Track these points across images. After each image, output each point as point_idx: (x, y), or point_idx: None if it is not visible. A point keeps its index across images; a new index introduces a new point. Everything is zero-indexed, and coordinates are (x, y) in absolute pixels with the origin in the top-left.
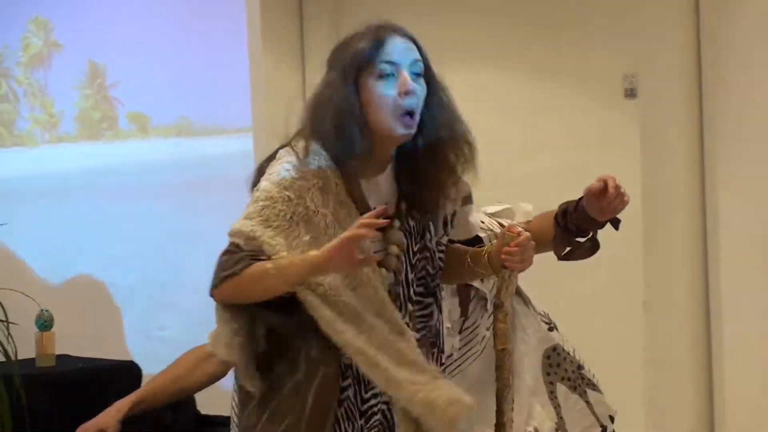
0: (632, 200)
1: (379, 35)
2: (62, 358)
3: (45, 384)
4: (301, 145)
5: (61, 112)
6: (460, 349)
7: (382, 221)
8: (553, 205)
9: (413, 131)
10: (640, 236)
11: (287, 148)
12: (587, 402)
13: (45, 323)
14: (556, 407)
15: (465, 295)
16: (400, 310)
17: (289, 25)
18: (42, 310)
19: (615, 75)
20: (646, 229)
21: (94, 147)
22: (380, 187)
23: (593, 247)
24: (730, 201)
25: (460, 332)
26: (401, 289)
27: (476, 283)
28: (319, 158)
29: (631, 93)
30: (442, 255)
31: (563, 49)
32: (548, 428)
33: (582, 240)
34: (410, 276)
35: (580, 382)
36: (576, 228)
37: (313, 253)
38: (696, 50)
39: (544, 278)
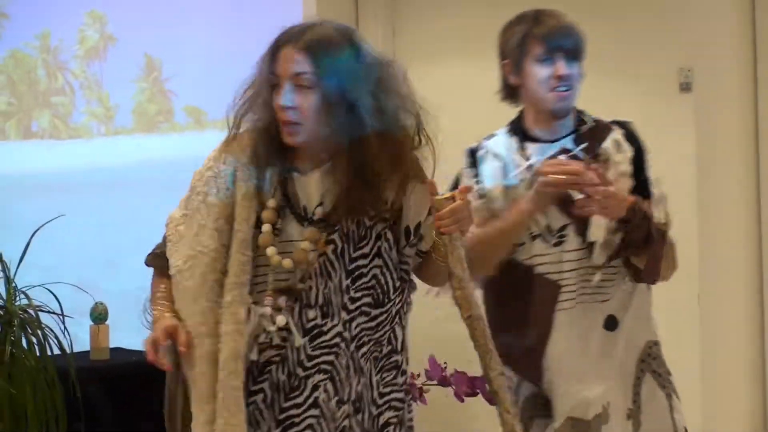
0: (687, 193)
1: (274, 45)
2: (116, 351)
3: (99, 377)
4: (235, 141)
5: (116, 106)
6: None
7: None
8: None
9: (296, 139)
10: (695, 229)
11: (220, 142)
12: (671, 405)
13: (99, 316)
14: (636, 394)
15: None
16: (331, 318)
17: (345, 21)
18: (96, 303)
19: (670, 68)
20: (701, 222)
21: (150, 139)
22: (311, 185)
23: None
24: None
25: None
26: (333, 296)
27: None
28: (249, 153)
29: (686, 87)
30: (406, 267)
31: (618, 42)
32: (621, 411)
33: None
34: (345, 282)
35: (668, 384)
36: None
37: (164, 321)
38: (752, 43)
39: None
